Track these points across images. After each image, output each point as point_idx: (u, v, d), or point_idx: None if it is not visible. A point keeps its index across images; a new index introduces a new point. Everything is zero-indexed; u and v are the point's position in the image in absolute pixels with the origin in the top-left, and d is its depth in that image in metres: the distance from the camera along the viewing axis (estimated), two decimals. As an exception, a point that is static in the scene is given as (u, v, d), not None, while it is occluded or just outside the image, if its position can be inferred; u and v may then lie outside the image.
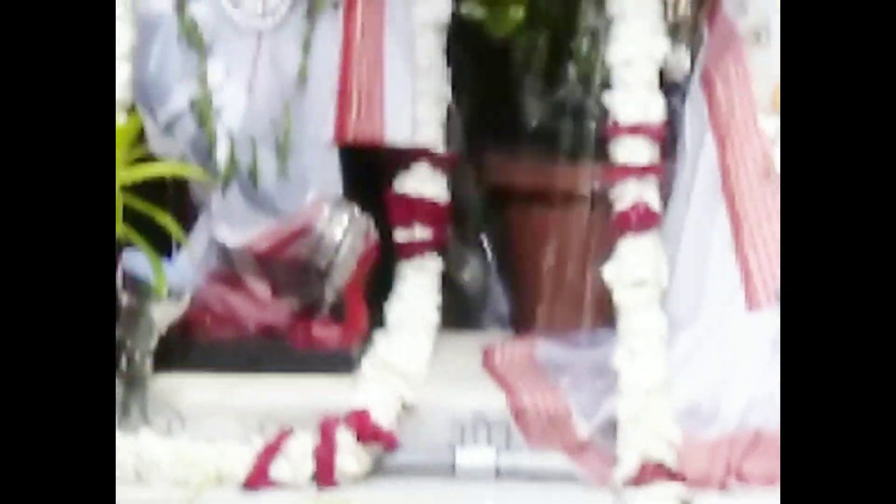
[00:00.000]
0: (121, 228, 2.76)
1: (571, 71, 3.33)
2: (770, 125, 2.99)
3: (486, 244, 3.39)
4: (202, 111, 3.03)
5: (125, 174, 2.77)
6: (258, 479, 2.84)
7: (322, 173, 3.08)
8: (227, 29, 3.04)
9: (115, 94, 2.88)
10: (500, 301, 3.39)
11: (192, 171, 2.99)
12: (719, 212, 3.03)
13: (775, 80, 2.92)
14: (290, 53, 3.04)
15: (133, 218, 2.75)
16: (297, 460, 2.86)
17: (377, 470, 2.90)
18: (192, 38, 3.03)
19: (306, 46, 3.05)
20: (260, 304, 3.12)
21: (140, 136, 2.92)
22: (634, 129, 2.99)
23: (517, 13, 3.24)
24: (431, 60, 3.16)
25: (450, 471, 2.90)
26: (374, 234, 3.12)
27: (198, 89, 3.04)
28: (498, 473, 2.91)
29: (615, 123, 2.99)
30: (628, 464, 2.81)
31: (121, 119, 2.98)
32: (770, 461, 2.76)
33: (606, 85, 3.05)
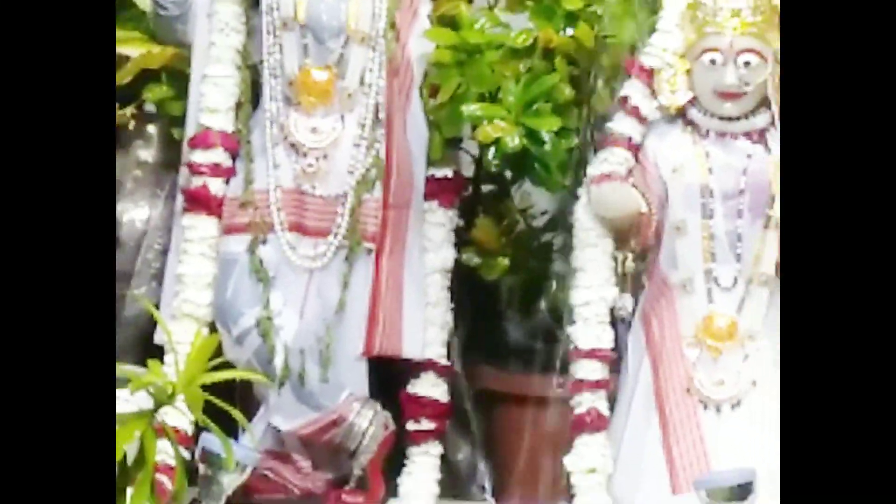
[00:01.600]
0: (199, 417, 2.69)
1: (543, 306, 3.51)
2: (691, 354, 3.20)
3: (475, 434, 3.54)
4: (265, 329, 3.22)
5: (207, 377, 2.71)
6: None
7: (354, 378, 3.25)
8: (286, 267, 3.26)
9: (115, 97, 2.88)
10: (484, 478, 3.53)
11: (256, 376, 3.15)
12: (652, 418, 3.18)
13: (697, 319, 3.19)
14: (332, 287, 3.25)
15: (210, 408, 2.71)
16: None
17: None
18: (259, 274, 3.23)
19: (345, 283, 3.25)
20: (303, 475, 3.26)
21: (218, 348, 2.81)
22: (589, 354, 3.19)
23: (504, 262, 3.45)
24: (438, 296, 3.35)
25: None
26: (391, 425, 3.28)
27: (262, 313, 3.23)
28: None
29: (576, 348, 3.20)
30: None
31: (204, 333, 3.07)
32: None
33: (570, 319, 3.24)
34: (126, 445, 2.63)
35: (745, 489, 2.95)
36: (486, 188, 3.54)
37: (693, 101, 3.20)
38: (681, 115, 3.22)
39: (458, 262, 3.41)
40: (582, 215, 3.25)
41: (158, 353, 3.03)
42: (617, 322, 3.26)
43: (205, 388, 2.73)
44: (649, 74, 3.22)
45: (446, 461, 3.42)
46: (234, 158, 3.30)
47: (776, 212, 3.14)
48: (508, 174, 3.45)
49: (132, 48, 3.39)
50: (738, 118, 3.19)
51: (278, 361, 3.23)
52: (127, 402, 2.72)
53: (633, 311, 3.27)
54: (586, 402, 3.20)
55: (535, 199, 3.59)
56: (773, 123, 3.19)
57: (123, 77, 3.37)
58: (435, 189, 3.37)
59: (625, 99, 3.23)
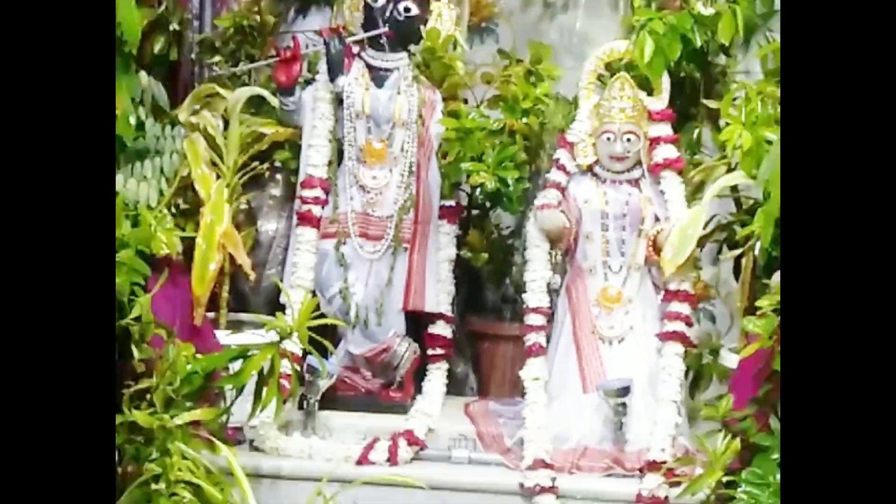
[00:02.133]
0: (306, 345, 2.79)
1: (508, 282, 3.50)
2: (595, 311, 3.16)
3: (467, 357, 3.53)
4: (344, 295, 3.24)
5: (310, 322, 2.73)
6: (363, 460, 3.02)
7: (397, 323, 3.27)
8: (357, 259, 3.25)
9: (115, 103, 2.54)
10: (473, 382, 3.54)
11: (339, 321, 3.13)
12: (571, 348, 3.16)
13: (598, 290, 3.18)
14: (384, 270, 3.25)
15: (313, 342, 2.75)
16: (381, 452, 3.04)
17: (416, 458, 3.08)
18: (341, 262, 3.24)
19: (391, 268, 3.25)
20: (366, 381, 3.27)
21: (316, 307, 2.80)
22: (535, 310, 3.17)
23: (485, 256, 3.43)
24: (446, 275, 3.35)
25: (448, 460, 3.10)
26: (418, 351, 3.29)
27: (342, 285, 3.23)
28: (469, 461, 3.09)
29: (527, 307, 3.18)
30: (527, 460, 2.97)
31: (308, 297, 3.04)
32: (591, 461, 3.02)
33: (524, 289, 3.20)
34: (263, 363, 2.76)
35: (625, 390, 3.09)
36: (474, 212, 3.56)
37: (596, 162, 3.23)
38: (589, 169, 3.25)
39: (458, 256, 3.45)
40: (531, 229, 3.27)
41: (282, 308, 2.99)
42: (551, 291, 3.26)
43: (309, 329, 2.81)
44: (571, 146, 3.26)
45: (450, 372, 3.44)
46: (327, 194, 3.31)
47: (646, 226, 3.19)
48: (488, 204, 3.43)
49: (267, 129, 3.39)
50: (622, 172, 3.23)
51: (352, 313, 3.26)
52: (263, 337, 2.87)
53: (561, 285, 3.28)
54: (533, 338, 3.20)
55: (504, 219, 3.59)
56: (643, 175, 3.23)
57: (262, 146, 3.38)
58: (444, 213, 3.40)
59: (557, 160, 3.27)
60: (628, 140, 3.17)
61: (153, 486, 2.60)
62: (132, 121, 2.86)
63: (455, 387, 3.47)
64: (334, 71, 3.24)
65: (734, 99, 3.07)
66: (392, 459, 3.06)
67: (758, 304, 2.68)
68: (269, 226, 3.54)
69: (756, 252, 2.89)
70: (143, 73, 2.99)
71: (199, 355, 2.80)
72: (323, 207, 3.30)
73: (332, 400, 3.23)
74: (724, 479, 2.57)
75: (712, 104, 3.24)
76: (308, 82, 3.35)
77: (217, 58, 3.57)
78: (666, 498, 2.89)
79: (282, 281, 3.25)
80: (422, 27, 3.31)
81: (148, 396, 2.69)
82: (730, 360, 3.11)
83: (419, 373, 3.36)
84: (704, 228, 3.12)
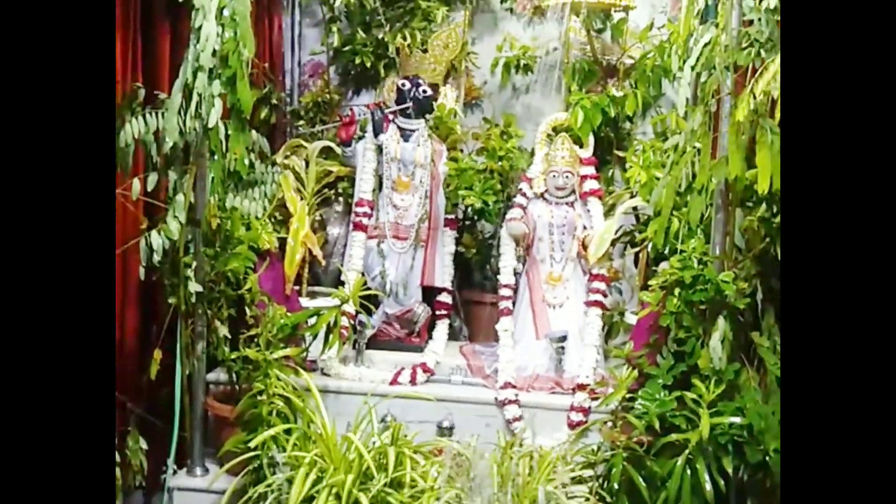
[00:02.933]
0: (358, 308, 2.81)
1: (488, 268, 3.44)
2: (544, 287, 3.07)
3: (462, 316, 3.44)
4: (382, 276, 3.17)
5: (361, 293, 2.76)
6: (393, 382, 2.98)
7: (416, 294, 3.22)
8: (391, 252, 3.19)
9: (115, 104, 2.38)
10: (465, 332, 3.44)
11: (380, 293, 3.12)
12: (528, 311, 3.09)
13: (546, 273, 3.06)
14: (408, 260, 3.19)
15: (363, 306, 2.83)
16: (405, 376, 3.00)
17: (428, 381, 3.03)
18: (381, 254, 3.18)
19: (413, 258, 3.20)
20: (396, 330, 3.22)
21: (364, 284, 2.88)
22: (506, 286, 3.12)
23: (473, 251, 3.36)
24: (448, 263, 3.28)
25: (448, 382, 3.05)
26: (429, 312, 3.23)
27: (381, 269, 3.18)
28: (463, 383, 3.04)
29: (500, 283, 3.10)
30: (500, 383, 2.93)
31: (359, 276, 3.02)
32: (541, 384, 2.95)
33: (498, 272, 3.16)
34: (330, 318, 2.75)
35: (563, 338, 3.07)
36: (467, 223, 3.49)
37: (546, 191, 3.19)
38: (542, 196, 3.20)
39: (456, 251, 3.39)
40: (503, 233, 3.23)
41: (342, 284, 3.07)
42: (516, 274, 3.22)
43: (360, 297, 2.82)
44: (530, 180, 3.22)
45: (451, 326, 3.39)
46: (372, 210, 3.26)
47: (578, 232, 3.14)
48: (476, 217, 3.38)
49: (334, 168, 3.34)
50: (563, 197, 3.19)
51: (388, 287, 3.22)
52: (330, 302, 2.83)
53: (522, 269, 3.22)
54: (504, 304, 3.17)
55: (486, 227, 3.52)
56: (576, 199, 3.19)
57: (330, 178, 3.33)
58: (448, 223, 3.34)
59: (520, 189, 3.23)
60: (567, 176, 3.14)
61: (259, 398, 2.61)
62: (246, 162, 2.85)
63: (453, 335, 3.42)
64: (377, 131, 3.23)
65: (635, 150, 3.09)
66: (412, 381, 3.03)
67: (649, 283, 2.65)
68: (334, 230, 3.48)
69: (649, 249, 2.91)
70: (253, 132, 2.96)
71: (288, 314, 2.78)
72: (369, 219, 3.26)
73: (374, 343, 3.19)
74: (627, 396, 2.56)
75: (621, 154, 3.23)
76: (360, 138, 3.31)
77: (301, 122, 3.55)
78: (589, 408, 2.87)
79: (342, 266, 3.25)
80: (434, 103, 3.29)
81: (256, 340, 2.70)
82: (631, 319, 3.06)
83: (430, 326, 3.32)
84: (615, 234, 3.07)
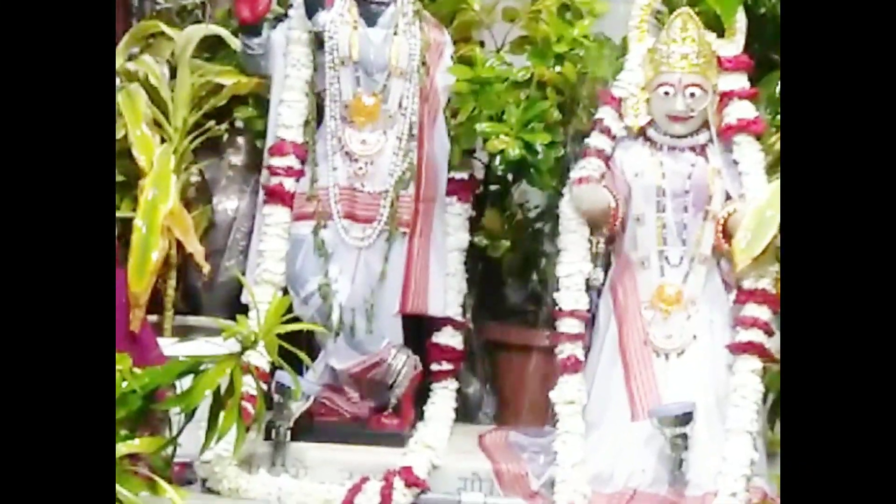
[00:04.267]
0: (275, 358, 2.73)
1: (535, 277, 3.53)
2: (647, 315, 3.17)
3: (482, 374, 3.54)
4: (325, 293, 3.23)
5: (280, 328, 2.67)
6: None
7: (391, 330, 3.27)
8: (341, 246, 3.25)
9: (115, 110, 2.73)
10: (489, 406, 3.55)
11: (318, 328, 3.09)
12: (616, 363, 3.15)
13: (652, 288, 3.17)
14: (376, 261, 3.25)
15: (284, 354, 2.70)
16: (371, 495, 3.02)
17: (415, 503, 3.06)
18: (321, 251, 3.24)
19: (386, 258, 3.24)
20: (352, 403, 3.27)
21: (289, 307, 2.78)
22: (570, 314, 3.17)
23: (506, 244, 3.44)
24: (456, 268, 3.37)
25: None
26: (419, 366, 3.30)
27: (322, 280, 3.23)
28: None
29: (560, 309, 3.18)
30: None
31: (278, 295, 3.13)
32: None
33: (556, 287, 3.21)
34: (220, 379, 2.66)
35: (686, 417, 3.01)
36: (492, 187, 3.56)
37: (651, 123, 3.21)
38: (641, 133, 3.23)
39: (471, 243, 3.44)
40: (566, 208, 3.25)
41: (244, 310, 2.97)
42: (591, 289, 3.26)
43: (279, 336, 2.72)
44: (618, 102, 3.24)
45: (461, 393, 3.46)
46: (302, 163, 3.30)
47: (714, 206, 3.16)
48: (510, 177, 3.46)
49: (226, 78, 3.39)
50: (684, 136, 3.21)
51: (335, 317, 3.25)
52: (220, 346, 2.74)
53: (603, 281, 3.27)
54: (567, 350, 3.20)
55: (530, 196, 3.59)
56: (710, 140, 3.22)
57: (219, 100, 3.42)
58: (454, 188, 3.39)
59: (599, 120, 3.24)
60: (692, 95, 3.16)
61: None
62: None
63: (466, 412, 3.50)
64: (313, 4, 3.26)
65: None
66: None
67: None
68: (228, 203, 3.53)
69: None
70: None
71: (137, 369, 2.73)
72: (297, 180, 3.31)
73: (309, 428, 3.24)
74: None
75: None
76: (279, 19, 3.35)
77: (164, -15, 3.49)
78: (737, 554, 2.87)
79: (244, 275, 3.29)
80: (426, -54, 3.32)
81: None
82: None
83: (421, 394, 3.37)
84: (791, 211, 3.10)
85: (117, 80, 3.26)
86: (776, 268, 3.13)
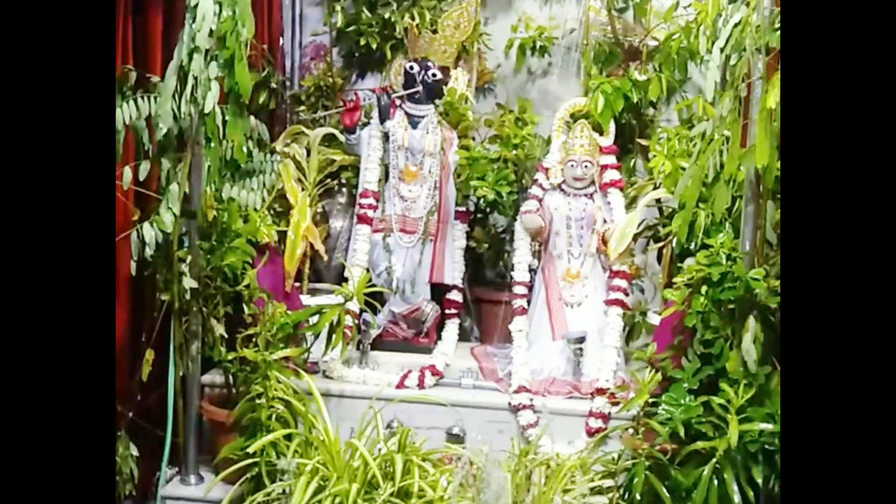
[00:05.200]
0: (362, 305, 2.85)
1: (501, 264, 3.48)
2: (561, 284, 3.07)
3: (473, 316, 3.49)
4: (388, 271, 3.20)
5: (365, 289, 2.81)
6: (400, 385, 2.99)
7: (424, 291, 3.23)
8: (398, 246, 3.21)
9: (115, 111, 2.41)
10: (476, 333, 3.50)
11: (384, 290, 3.12)
12: (544, 310, 3.09)
13: (563, 269, 3.08)
14: (416, 254, 3.21)
15: (367, 304, 2.86)
16: (413, 379, 3.01)
17: (437, 384, 3.04)
18: (387, 249, 3.20)
19: (422, 252, 3.21)
20: (403, 330, 3.24)
21: (369, 280, 2.96)
22: (520, 283, 3.16)
23: (486, 245, 3.40)
24: (459, 258, 3.30)
25: (459, 386, 3.06)
26: (438, 311, 3.25)
27: (388, 265, 3.20)
28: (474, 387, 3.05)
29: (514, 281, 3.15)
30: (514, 386, 2.93)
31: (364, 272, 3.09)
32: (558, 388, 2.95)
33: (512, 269, 3.17)
34: (333, 317, 2.77)
35: (581, 339, 3.06)
36: (479, 215, 3.50)
37: (563, 181, 3.19)
38: (559, 187, 3.20)
39: (467, 245, 3.41)
40: (518, 227, 3.24)
41: (345, 280, 3.05)
42: (531, 270, 3.23)
43: (364, 294, 2.85)
44: (546, 170, 3.22)
45: (461, 326, 3.42)
46: (377, 201, 3.29)
47: (597, 226, 3.14)
48: (488, 210, 3.41)
49: (337, 156, 3.36)
50: (581, 188, 3.18)
51: (394, 285, 3.24)
52: (333, 299, 2.88)
53: (538, 266, 3.23)
54: (518, 302, 3.18)
55: (499, 220, 3.54)
56: (595, 190, 3.18)
57: (333, 168, 3.36)
58: (458, 215, 3.35)
59: (536, 180, 3.23)
60: (585, 166, 3.14)
61: (257, 401, 2.61)
62: (244, 150, 2.82)
63: (464, 336, 3.44)
64: (383, 117, 3.24)
65: (659, 138, 3.09)
66: (420, 385, 3.04)
67: (674, 280, 2.65)
68: (337, 223, 3.51)
69: (673, 244, 2.88)
70: (251, 118, 2.96)
71: (289, 312, 2.79)
72: (374, 211, 3.28)
73: (380, 343, 3.20)
74: (650, 401, 2.56)
75: (643, 142, 3.23)
76: (365, 125, 3.32)
77: (302, 107, 3.55)
78: (609, 413, 2.86)
79: (346, 261, 3.25)
80: (444, 87, 3.29)
81: (254, 340, 2.70)
82: (654, 319, 3.05)
83: (439, 326, 3.33)
84: (637, 228, 3.06)
85: (277, 157, 3.18)
86: (630, 259, 3.12)
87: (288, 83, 3.61)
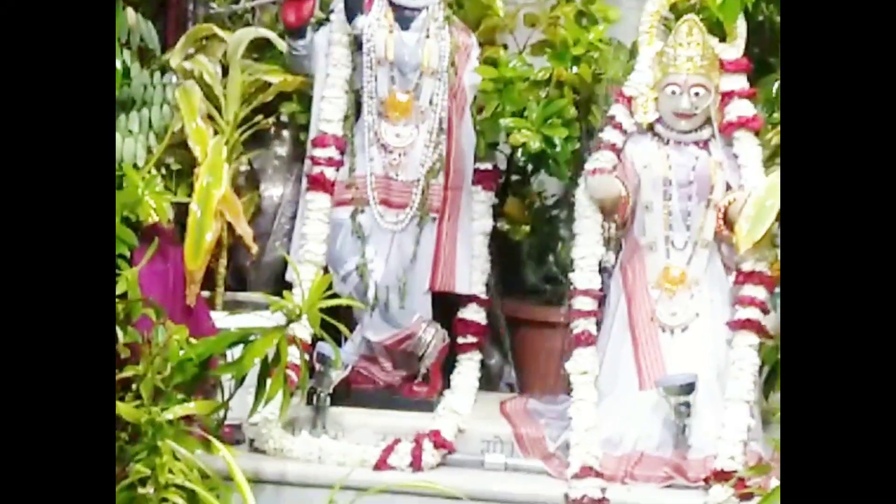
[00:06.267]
0: (317, 330, 2.82)
1: (552, 259, 3.51)
2: (654, 294, 3.17)
3: (504, 347, 3.53)
4: (361, 272, 3.25)
5: (322, 303, 2.76)
6: (381, 464, 3.02)
7: (422, 306, 3.29)
8: (377, 230, 3.26)
9: (115, 111, 2.61)
10: (510, 376, 3.54)
11: (355, 303, 3.14)
12: (626, 337, 3.15)
13: (659, 270, 3.17)
14: (408, 244, 3.27)
15: (324, 327, 2.80)
16: (402, 455, 3.03)
17: (443, 464, 3.08)
18: (359, 234, 3.25)
19: (417, 241, 3.27)
20: (386, 373, 3.27)
21: (329, 286, 2.84)
22: (584, 292, 3.16)
23: (526, 228, 3.48)
24: (481, 251, 3.36)
25: (480, 465, 3.10)
26: (446, 339, 3.30)
27: (360, 260, 3.25)
28: (506, 468, 3.08)
29: (575, 288, 3.17)
30: (574, 467, 2.96)
31: (320, 273, 3.09)
32: (648, 470, 3.01)
33: (571, 268, 3.20)
34: (267, 349, 2.75)
35: (689, 387, 3.05)
36: (514, 177, 3.57)
37: (658, 120, 3.22)
38: (650, 129, 3.24)
39: (494, 228, 3.46)
40: (581, 197, 3.26)
41: (288, 287, 3.07)
42: (603, 271, 3.26)
43: (320, 311, 2.80)
44: (629, 100, 3.25)
45: (484, 364, 3.46)
46: (342, 154, 3.31)
47: (716, 196, 3.18)
48: (530, 167, 3.47)
49: (273, 77, 3.40)
50: (689, 132, 3.21)
51: (370, 294, 3.28)
52: (267, 319, 2.85)
53: (614, 263, 3.28)
54: (581, 325, 3.20)
55: (548, 185, 3.60)
56: (713, 135, 3.23)
57: (267, 97, 3.42)
58: (480, 177, 3.40)
59: (612, 117, 3.26)
60: (696, 94, 3.16)
61: (140, 490, 2.61)
62: (117, 66, 2.85)
63: (489, 381, 3.49)
64: (352, 9, 3.25)
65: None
66: (415, 464, 3.07)
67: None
68: (274, 190, 3.54)
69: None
70: (129, 11, 3.00)
71: (193, 340, 2.80)
72: (337, 170, 3.31)
73: (346, 394, 3.25)
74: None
75: (796, 55, 3.25)
76: (321, 23, 3.36)
77: (216, -6, 3.55)
78: (736, 511, 2.89)
79: (289, 254, 3.30)
80: (456, -44, 3.36)
81: (134, 387, 2.70)
82: (813, 353, 3.05)
83: (448, 364, 3.38)
84: (787, 200, 3.09)
85: (174, 77, 3.27)
86: (773, 252, 3.12)
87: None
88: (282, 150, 3.56)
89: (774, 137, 3.27)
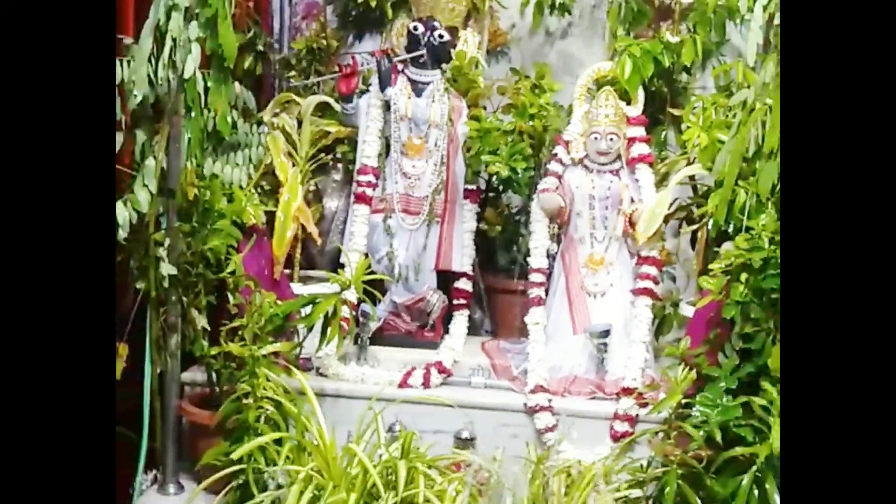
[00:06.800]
0: (361, 295, 2.85)
1: (516, 249, 3.43)
2: (583, 271, 3.09)
3: (484, 307, 3.51)
4: (389, 257, 3.22)
5: (364, 277, 2.79)
6: (403, 384, 3.02)
7: (430, 279, 3.25)
8: (400, 229, 3.22)
9: (115, 112, 2.45)
10: (488, 326, 3.52)
11: (386, 277, 3.12)
12: (564, 300, 3.12)
13: (585, 255, 3.11)
14: (420, 238, 3.23)
15: (366, 293, 2.84)
16: (417, 377, 3.03)
17: (444, 383, 3.06)
18: (388, 232, 3.22)
19: (427, 236, 3.23)
20: (406, 323, 3.27)
21: (368, 266, 2.96)
22: (537, 270, 3.17)
23: (498, 228, 3.41)
24: (468, 243, 3.31)
25: (468, 385, 3.09)
26: (446, 301, 3.28)
27: (389, 249, 3.22)
28: (485, 386, 3.08)
29: (531, 268, 3.17)
30: (530, 386, 2.96)
31: (362, 258, 3.11)
32: (579, 387, 2.99)
33: (528, 254, 3.20)
34: (328, 308, 2.77)
35: (606, 333, 3.09)
36: (491, 194, 3.51)
37: (586, 156, 3.19)
38: (580, 162, 3.21)
39: (478, 228, 3.42)
40: (534, 207, 3.25)
41: (341, 267, 3.06)
42: (549, 256, 3.24)
43: (363, 282, 2.84)
44: (566, 143, 3.22)
45: (471, 318, 3.44)
46: (377, 179, 3.29)
47: (624, 206, 3.15)
48: (501, 188, 3.40)
49: (332, 128, 3.37)
50: (606, 164, 3.19)
51: (396, 271, 3.26)
52: (328, 288, 2.87)
53: (557, 251, 3.25)
54: (534, 292, 3.20)
55: (513, 200, 3.56)
56: (622, 167, 3.19)
57: (327, 141, 3.36)
58: (468, 194, 3.37)
59: (555, 154, 3.23)
60: (611, 139, 3.13)
61: (244, 401, 2.61)
62: (228, 120, 2.80)
63: (474, 329, 3.45)
64: (384, 83, 3.23)
65: (693, 108, 3.07)
66: (426, 384, 3.06)
67: (710, 266, 2.65)
68: (332, 203, 3.53)
69: (709, 227, 2.87)
70: (236, 84, 2.97)
71: (279, 302, 2.78)
72: (374, 189, 3.28)
73: (380, 337, 3.22)
74: (682, 402, 2.57)
75: (676, 112, 3.24)
76: (363, 92, 3.33)
77: (293, 73, 3.57)
78: (636, 416, 2.88)
79: (342, 245, 3.26)
80: (452, 50, 3.29)
81: (240, 333, 2.69)
82: (687, 310, 3.06)
83: (447, 318, 3.35)
84: (669, 209, 3.08)
85: (265, 128, 3.19)
86: (661, 243, 3.15)
87: (277, 46, 3.63)
88: (337, 176, 3.55)
89: (663, 168, 3.21)
